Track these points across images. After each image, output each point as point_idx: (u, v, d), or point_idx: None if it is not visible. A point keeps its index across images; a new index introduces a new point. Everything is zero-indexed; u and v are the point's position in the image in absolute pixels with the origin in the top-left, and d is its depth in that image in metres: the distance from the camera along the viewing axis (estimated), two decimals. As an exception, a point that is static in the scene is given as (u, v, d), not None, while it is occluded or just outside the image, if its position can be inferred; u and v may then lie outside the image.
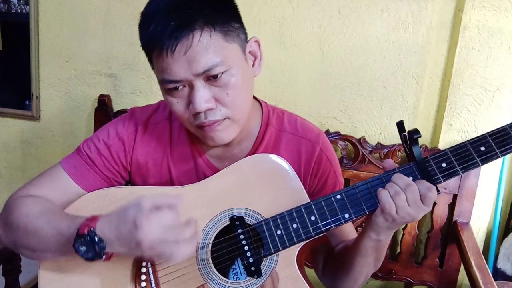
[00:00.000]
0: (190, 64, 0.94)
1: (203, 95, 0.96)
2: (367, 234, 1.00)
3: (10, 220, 1.04)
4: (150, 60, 1.02)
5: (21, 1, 1.90)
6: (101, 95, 1.86)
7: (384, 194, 0.94)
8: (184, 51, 0.93)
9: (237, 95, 0.99)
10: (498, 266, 1.77)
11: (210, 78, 0.96)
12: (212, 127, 1.00)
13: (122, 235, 0.90)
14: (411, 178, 0.95)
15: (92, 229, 0.91)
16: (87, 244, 0.91)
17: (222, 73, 0.96)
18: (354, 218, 0.98)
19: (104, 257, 0.92)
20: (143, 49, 1.02)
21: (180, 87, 0.98)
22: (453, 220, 1.68)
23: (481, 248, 1.73)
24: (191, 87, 0.97)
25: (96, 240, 0.91)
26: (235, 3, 1.03)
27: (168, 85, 0.98)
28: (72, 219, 0.99)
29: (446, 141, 1.69)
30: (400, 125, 0.97)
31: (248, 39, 1.05)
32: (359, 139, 1.73)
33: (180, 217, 1.04)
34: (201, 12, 0.93)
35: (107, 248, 0.91)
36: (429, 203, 0.94)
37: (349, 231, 1.18)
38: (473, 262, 1.46)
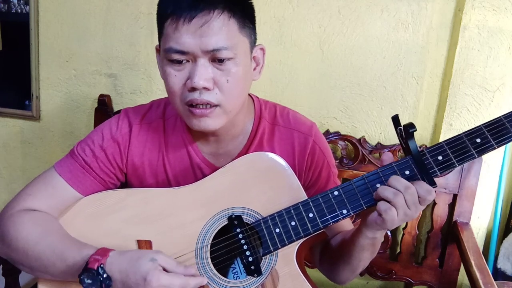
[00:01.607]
0: (201, 39, 0.95)
1: (205, 73, 0.97)
2: (363, 233, 1.00)
3: (8, 238, 1.03)
4: (161, 28, 1.01)
5: (21, 1, 1.89)
6: (101, 95, 1.86)
7: (382, 204, 0.93)
8: (201, 23, 0.94)
9: (235, 85, 1.00)
10: (498, 266, 1.77)
11: (216, 60, 0.97)
12: (204, 112, 1.00)
13: (128, 282, 0.93)
14: (407, 172, 0.95)
15: (102, 265, 0.93)
16: (93, 279, 0.92)
17: (229, 59, 0.98)
18: (352, 214, 0.98)
19: None
20: (158, 15, 1.02)
21: (184, 61, 0.98)
22: (453, 220, 1.68)
23: (481, 248, 1.73)
24: (195, 62, 0.98)
25: (104, 277, 0.93)
26: (253, 7, 1.06)
27: (173, 55, 0.98)
28: (78, 248, 0.99)
29: (446, 141, 1.70)
30: (395, 119, 0.97)
31: (256, 44, 1.08)
32: (359, 139, 1.73)
33: (178, 219, 1.05)
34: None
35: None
36: (426, 204, 0.94)
37: (345, 223, 1.18)
38: (473, 262, 1.46)
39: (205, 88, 0.98)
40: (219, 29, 0.95)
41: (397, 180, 0.93)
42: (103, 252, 0.96)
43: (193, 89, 0.98)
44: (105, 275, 0.92)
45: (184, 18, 0.94)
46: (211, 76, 0.98)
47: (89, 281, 0.92)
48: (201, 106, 0.99)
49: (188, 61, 0.98)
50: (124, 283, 0.93)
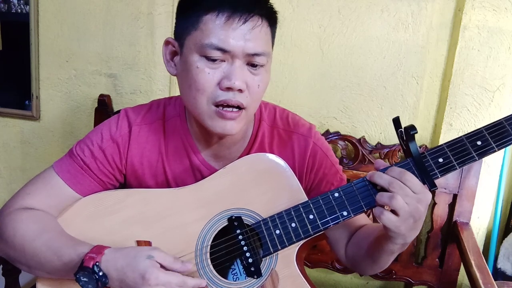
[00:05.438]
0: (248, 42, 0.96)
1: (242, 75, 0.98)
2: (387, 243, 0.97)
3: (5, 236, 1.03)
4: (195, 20, 0.98)
5: (21, 1, 1.89)
6: (101, 95, 1.86)
7: (376, 209, 0.92)
8: (252, 26, 0.96)
9: (261, 91, 1.03)
10: (498, 266, 1.77)
11: (250, 64, 0.99)
12: (233, 115, 1.00)
13: (125, 280, 0.92)
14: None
15: (97, 263, 0.93)
16: (89, 277, 0.92)
17: (262, 65, 1.00)
18: (353, 216, 0.98)
19: None
20: (193, 4, 1.00)
21: (219, 60, 0.97)
22: (453, 220, 1.68)
23: (481, 248, 1.73)
24: (231, 63, 0.98)
25: (100, 276, 0.92)
26: None
27: (211, 52, 0.97)
28: (74, 245, 0.99)
29: (446, 141, 1.68)
30: (396, 121, 0.97)
31: None
32: (359, 139, 1.73)
33: (177, 219, 1.05)
34: (266, 7, 1.01)
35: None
36: (425, 203, 0.91)
37: (361, 217, 1.15)
38: (473, 262, 1.46)
39: (240, 90, 0.98)
40: (263, 35, 0.98)
41: (391, 170, 0.93)
42: (98, 249, 0.95)
43: (228, 89, 0.98)
44: (100, 273, 0.92)
45: (239, 18, 0.95)
46: (246, 79, 0.99)
47: (85, 279, 0.92)
48: (231, 109, 0.99)
49: (223, 60, 0.98)
50: (121, 281, 0.93)
